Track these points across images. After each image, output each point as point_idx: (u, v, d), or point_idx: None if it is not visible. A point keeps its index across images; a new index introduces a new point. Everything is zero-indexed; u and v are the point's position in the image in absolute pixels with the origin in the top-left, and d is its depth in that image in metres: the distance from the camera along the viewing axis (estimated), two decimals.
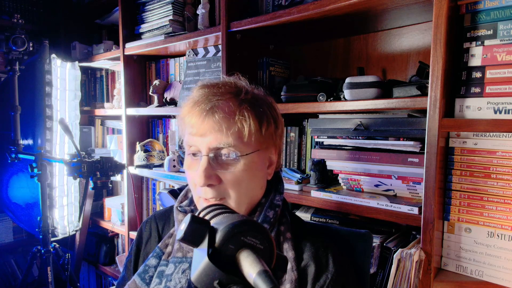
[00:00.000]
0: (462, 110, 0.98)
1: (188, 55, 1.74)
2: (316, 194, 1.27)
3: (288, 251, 0.75)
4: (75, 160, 1.52)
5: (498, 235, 0.96)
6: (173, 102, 1.82)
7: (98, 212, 2.40)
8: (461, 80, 0.98)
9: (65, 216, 2.01)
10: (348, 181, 1.29)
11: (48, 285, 1.70)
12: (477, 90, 0.95)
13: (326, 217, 1.28)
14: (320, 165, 1.33)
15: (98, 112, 2.24)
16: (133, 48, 1.88)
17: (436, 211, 0.99)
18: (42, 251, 1.71)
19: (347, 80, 1.17)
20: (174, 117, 1.92)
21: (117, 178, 1.89)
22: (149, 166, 1.87)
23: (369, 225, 1.21)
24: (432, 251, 0.98)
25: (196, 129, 0.74)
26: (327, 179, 1.37)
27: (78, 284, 1.91)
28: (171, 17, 1.68)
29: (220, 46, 1.62)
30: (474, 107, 0.96)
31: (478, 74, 0.95)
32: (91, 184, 1.54)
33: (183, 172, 1.74)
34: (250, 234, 0.46)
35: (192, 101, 0.76)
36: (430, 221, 0.98)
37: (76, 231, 2.11)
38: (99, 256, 2.35)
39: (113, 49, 2.12)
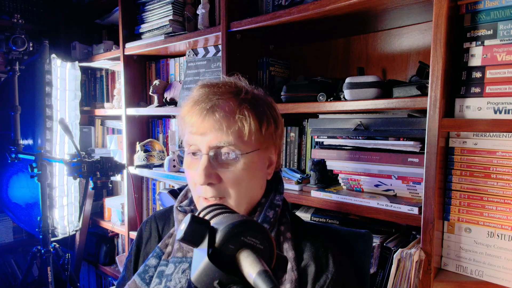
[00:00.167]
0: (462, 110, 0.98)
1: (188, 55, 1.74)
2: (316, 194, 1.27)
3: (288, 251, 0.75)
4: (75, 160, 1.52)
5: (498, 235, 0.96)
6: (173, 102, 1.82)
7: (98, 212, 2.40)
8: (461, 80, 0.98)
9: (65, 216, 2.01)
10: (348, 181, 1.29)
11: (48, 285, 1.70)
12: (477, 90, 0.95)
13: (326, 217, 1.28)
14: (320, 165, 1.33)
15: (98, 112, 2.24)
16: (133, 48, 1.88)
17: (436, 211, 0.99)
18: (42, 251, 1.71)
19: (347, 80, 1.17)
20: (174, 117, 1.92)
21: (117, 178, 1.89)
22: (149, 166, 1.87)
23: (369, 225, 1.21)
24: (432, 251, 0.98)
25: (196, 128, 0.74)
26: (327, 179, 1.37)
27: (78, 284, 1.91)
28: (171, 17, 1.68)
29: (220, 46, 1.62)
30: (474, 107, 0.96)
31: (478, 74, 0.95)
32: (91, 184, 1.54)
33: (183, 172, 1.73)
34: (250, 234, 0.46)
35: (193, 100, 0.77)
36: (430, 221, 0.98)
37: (76, 231, 2.11)
38: (99, 256, 2.35)
39: (113, 49, 2.12)
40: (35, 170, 1.66)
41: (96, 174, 1.53)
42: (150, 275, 0.81)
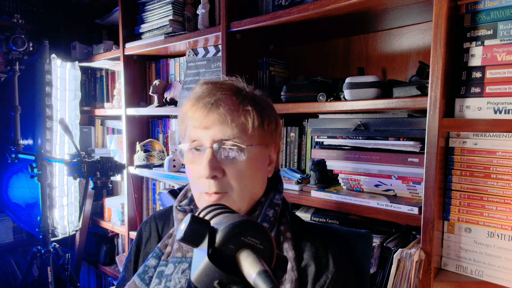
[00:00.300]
0: (462, 110, 0.98)
1: (188, 55, 1.74)
2: (316, 194, 1.27)
3: (288, 251, 0.75)
4: (75, 160, 1.52)
5: (498, 235, 0.96)
6: (173, 102, 1.82)
7: (98, 212, 2.40)
8: (461, 80, 0.98)
9: (65, 216, 2.01)
10: (348, 181, 1.29)
11: (48, 285, 1.70)
12: (477, 90, 0.95)
13: (326, 217, 1.28)
14: (320, 165, 1.33)
15: (98, 112, 2.24)
16: (133, 48, 1.88)
17: (436, 211, 0.99)
18: (42, 251, 1.71)
19: (347, 80, 1.17)
20: (174, 117, 1.92)
21: (117, 178, 1.89)
22: (149, 166, 1.87)
23: (369, 225, 1.21)
24: (432, 251, 0.98)
25: (199, 122, 0.74)
26: (327, 179, 1.37)
27: (78, 284, 1.91)
28: (171, 17, 1.68)
29: (220, 46, 1.62)
30: (474, 107, 0.96)
31: (478, 74, 0.95)
32: (91, 184, 1.54)
33: (183, 172, 1.74)
34: (250, 234, 0.46)
35: (196, 96, 0.77)
36: (430, 221, 0.98)
37: (76, 231, 2.11)
38: (99, 256, 2.35)
39: (113, 49, 2.12)
40: (35, 170, 1.66)
41: (96, 174, 1.53)
42: (149, 275, 0.81)
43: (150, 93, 1.88)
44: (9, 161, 1.80)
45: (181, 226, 0.47)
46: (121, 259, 2.18)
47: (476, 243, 0.99)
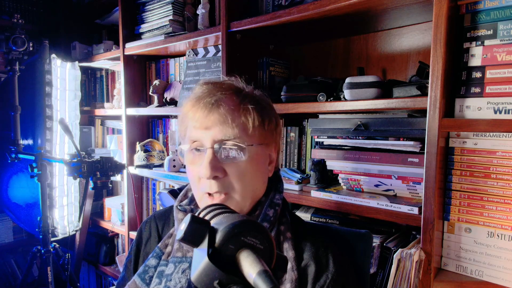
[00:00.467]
0: (462, 110, 0.98)
1: (188, 55, 1.74)
2: (316, 194, 1.27)
3: (288, 251, 0.76)
4: (75, 160, 1.52)
5: (498, 235, 0.96)
6: (173, 102, 1.82)
7: (98, 212, 2.40)
8: (461, 80, 0.98)
9: (65, 216, 2.01)
10: (348, 181, 1.29)
11: (48, 285, 1.70)
12: (477, 90, 0.95)
13: (326, 217, 1.28)
14: (320, 165, 1.33)
15: (98, 112, 2.24)
16: (133, 48, 1.88)
17: (436, 211, 0.99)
18: (42, 251, 1.71)
19: (347, 80, 1.17)
20: (174, 117, 1.92)
21: (117, 178, 1.89)
22: (149, 166, 1.87)
23: (369, 225, 1.21)
24: (432, 251, 0.98)
25: (200, 123, 0.74)
26: (327, 179, 1.37)
27: (78, 284, 1.91)
28: (171, 17, 1.68)
29: (220, 46, 1.62)
30: (474, 107, 0.96)
31: (478, 74, 0.95)
32: (91, 184, 1.54)
33: (183, 172, 1.74)
34: (250, 234, 0.46)
35: (196, 96, 0.77)
36: (430, 221, 0.98)
37: (76, 231, 2.11)
38: (99, 256, 2.35)
39: (113, 49, 2.12)
40: (35, 170, 1.66)
41: (96, 174, 1.53)
42: (150, 275, 0.81)
43: (150, 93, 1.88)
44: (9, 161, 1.80)
45: (181, 226, 0.47)
46: (121, 259, 2.18)
47: (476, 243, 0.99)
